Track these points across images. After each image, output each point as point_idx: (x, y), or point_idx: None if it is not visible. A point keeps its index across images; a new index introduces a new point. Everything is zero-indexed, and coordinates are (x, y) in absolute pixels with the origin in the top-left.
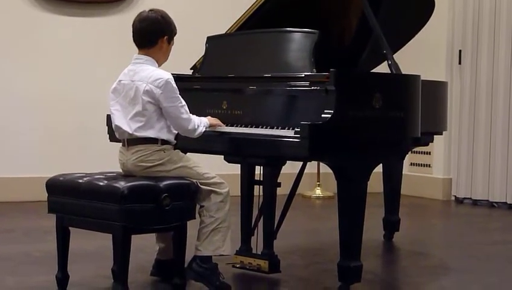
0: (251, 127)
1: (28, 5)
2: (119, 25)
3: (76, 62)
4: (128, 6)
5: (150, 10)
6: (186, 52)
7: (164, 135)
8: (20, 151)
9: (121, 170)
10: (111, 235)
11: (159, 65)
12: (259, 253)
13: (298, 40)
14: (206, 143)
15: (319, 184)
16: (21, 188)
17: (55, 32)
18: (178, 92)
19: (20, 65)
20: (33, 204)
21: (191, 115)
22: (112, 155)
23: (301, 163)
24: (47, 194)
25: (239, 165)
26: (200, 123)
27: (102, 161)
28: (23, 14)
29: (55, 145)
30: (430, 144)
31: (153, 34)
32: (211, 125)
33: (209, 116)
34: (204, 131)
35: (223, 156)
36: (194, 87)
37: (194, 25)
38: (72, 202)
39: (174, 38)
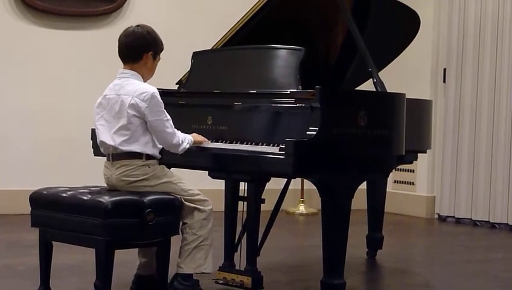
0: (236, 143)
1: (15, 18)
2: (106, 38)
3: (63, 75)
4: (116, 19)
5: (137, 26)
6: (172, 67)
7: (149, 150)
8: (3, 164)
9: (105, 185)
10: (94, 249)
11: (145, 81)
12: (243, 269)
13: (284, 57)
14: (191, 159)
15: (302, 201)
16: (4, 201)
17: (41, 45)
18: (163, 106)
19: (4, 77)
20: (16, 217)
21: (175, 130)
22: (97, 168)
23: (285, 179)
24: (30, 208)
25: (223, 181)
26: (185, 139)
27: (87, 174)
28: (10, 27)
29: (40, 158)
30: (414, 162)
31: (137, 49)
32: (195, 143)
33: (195, 133)
34: (189, 148)
35: (207, 172)
36: (179, 103)
37: (180, 40)
38: (55, 216)
39: (161, 54)
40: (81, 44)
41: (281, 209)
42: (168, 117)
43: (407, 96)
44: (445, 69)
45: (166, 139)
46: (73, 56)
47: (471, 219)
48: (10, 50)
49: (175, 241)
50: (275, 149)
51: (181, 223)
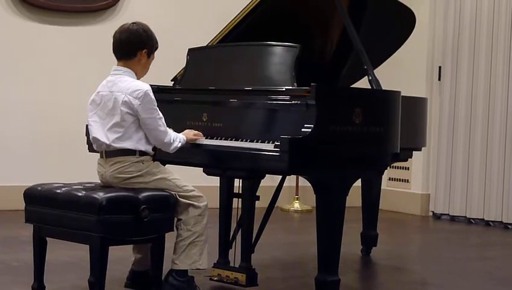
0: (231, 139)
1: (11, 14)
2: (102, 34)
3: (59, 70)
4: (111, 15)
5: (133, 23)
6: (168, 63)
7: (142, 146)
8: None
9: (100, 181)
10: (88, 246)
11: (138, 78)
12: (237, 266)
13: (280, 54)
14: (186, 155)
15: (297, 197)
16: None
17: (37, 40)
18: (156, 104)
19: (0, 73)
20: (11, 213)
21: (168, 128)
22: (92, 165)
23: (280, 176)
24: (25, 204)
25: (218, 177)
26: (176, 138)
27: (82, 170)
28: (6, 22)
29: (35, 154)
30: (409, 159)
31: (132, 46)
32: (188, 141)
33: (187, 130)
34: (181, 146)
35: (202, 169)
36: (174, 99)
37: (176, 36)
38: (49, 212)
39: (156, 52)
40: (78, 40)
41: (275, 206)
42: (161, 115)
43: (402, 94)
44: (440, 67)
45: (158, 138)
46: (69, 52)
47: (465, 216)
48: (6, 45)
49: (170, 237)
50: (270, 146)
51: (176, 219)
